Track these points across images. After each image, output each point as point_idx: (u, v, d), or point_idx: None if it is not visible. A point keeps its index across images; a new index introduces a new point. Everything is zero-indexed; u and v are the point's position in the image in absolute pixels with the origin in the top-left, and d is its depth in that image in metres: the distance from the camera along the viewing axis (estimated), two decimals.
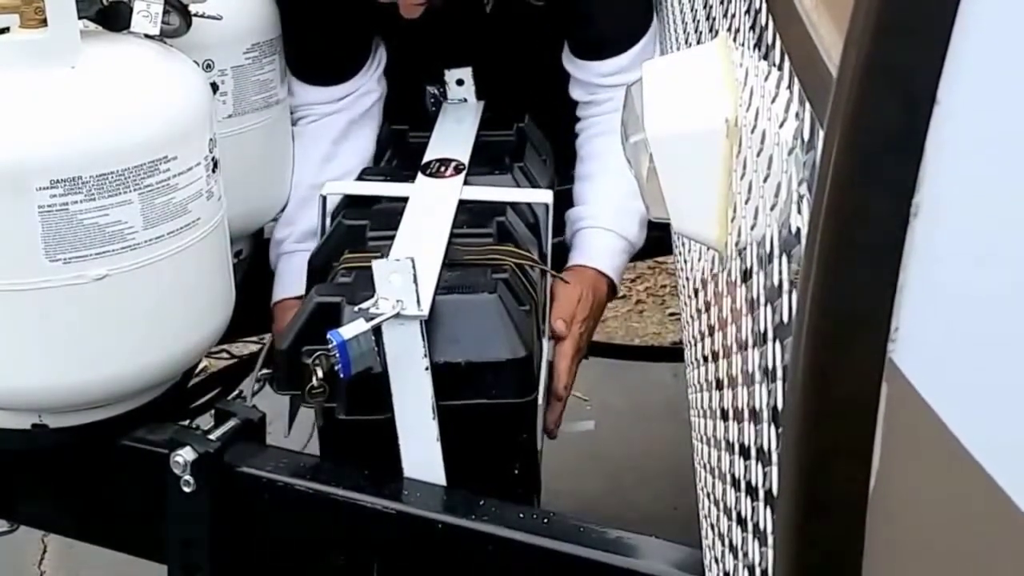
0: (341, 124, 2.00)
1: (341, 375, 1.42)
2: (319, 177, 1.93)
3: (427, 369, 1.47)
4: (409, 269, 1.41)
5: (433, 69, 2.04)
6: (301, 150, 1.99)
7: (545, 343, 1.73)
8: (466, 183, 1.78)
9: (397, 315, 1.42)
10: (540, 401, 1.63)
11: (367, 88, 2.03)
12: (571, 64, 2.00)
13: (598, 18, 1.95)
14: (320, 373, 1.44)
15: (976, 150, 0.57)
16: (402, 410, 1.50)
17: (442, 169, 1.81)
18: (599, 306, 1.89)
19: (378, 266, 1.42)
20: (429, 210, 1.71)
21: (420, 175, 1.80)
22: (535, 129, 1.99)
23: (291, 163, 1.98)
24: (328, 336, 1.40)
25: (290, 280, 1.91)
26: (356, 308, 1.44)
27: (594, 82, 1.97)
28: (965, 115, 0.57)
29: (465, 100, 2.02)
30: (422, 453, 1.52)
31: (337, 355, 1.40)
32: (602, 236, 1.89)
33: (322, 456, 1.60)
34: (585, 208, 1.93)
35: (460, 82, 2.02)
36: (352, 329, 1.41)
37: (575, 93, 2.01)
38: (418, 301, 1.43)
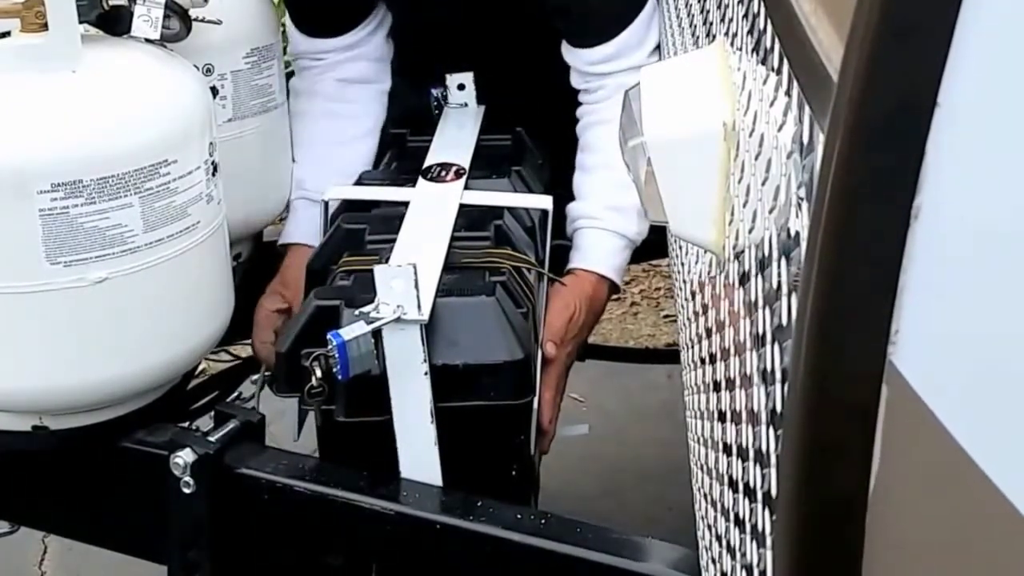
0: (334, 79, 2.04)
1: (339, 376, 1.42)
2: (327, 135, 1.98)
3: (426, 374, 1.47)
4: (411, 275, 1.42)
5: (435, 73, 2.04)
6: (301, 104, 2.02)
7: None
8: (466, 187, 1.79)
9: (398, 319, 1.43)
10: (535, 404, 1.64)
11: (366, 46, 2.04)
12: (565, 52, 1.97)
13: (574, 8, 1.91)
14: (319, 373, 1.44)
15: (977, 153, 0.57)
16: (400, 413, 1.50)
17: (443, 174, 1.81)
18: (596, 311, 1.89)
19: (380, 271, 1.42)
20: (430, 214, 1.71)
21: (421, 179, 1.80)
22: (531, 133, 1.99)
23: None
24: (328, 337, 1.41)
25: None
26: (356, 311, 1.45)
27: (585, 70, 1.95)
28: (966, 118, 0.57)
29: (466, 104, 2.02)
30: (419, 456, 1.53)
31: (336, 356, 1.41)
32: (602, 237, 1.88)
33: (321, 457, 1.61)
34: (584, 204, 1.91)
35: (461, 87, 2.02)
36: (352, 331, 1.41)
37: (573, 80, 1.98)
38: (419, 306, 1.43)
